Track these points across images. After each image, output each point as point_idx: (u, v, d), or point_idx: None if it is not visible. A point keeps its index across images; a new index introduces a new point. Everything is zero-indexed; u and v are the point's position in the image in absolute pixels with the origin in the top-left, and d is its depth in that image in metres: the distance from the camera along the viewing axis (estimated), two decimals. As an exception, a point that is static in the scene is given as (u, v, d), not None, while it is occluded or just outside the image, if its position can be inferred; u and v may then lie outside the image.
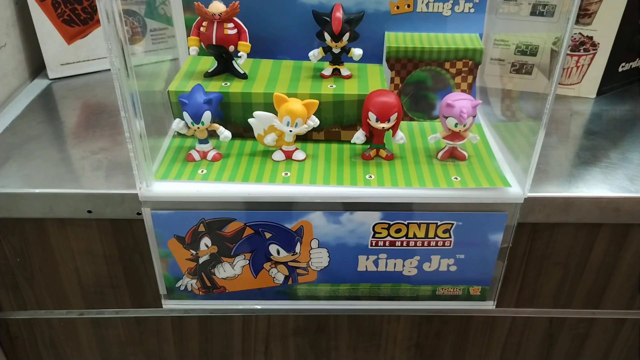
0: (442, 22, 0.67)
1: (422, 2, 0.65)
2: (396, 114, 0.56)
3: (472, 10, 0.66)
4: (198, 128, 0.57)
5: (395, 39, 0.65)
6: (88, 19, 0.78)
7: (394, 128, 0.57)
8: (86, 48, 0.79)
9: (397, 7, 0.66)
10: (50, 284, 0.64)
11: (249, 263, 0.59)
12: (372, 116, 0.56)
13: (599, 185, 0.57)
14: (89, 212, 0.57)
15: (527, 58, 0.73)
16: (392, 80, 0.66)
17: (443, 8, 0.66)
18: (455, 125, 0.56)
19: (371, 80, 0.62)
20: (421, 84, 0.67)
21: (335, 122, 0.61)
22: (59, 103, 0.73)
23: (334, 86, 0.61)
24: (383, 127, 0.56)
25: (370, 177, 0.56)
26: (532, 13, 0.70)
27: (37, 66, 0.80)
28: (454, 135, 0.58)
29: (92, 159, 0.61)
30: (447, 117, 0.56)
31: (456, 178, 0.56)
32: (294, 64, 0.67)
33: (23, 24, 0.76)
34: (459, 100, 0.55)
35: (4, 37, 0.72)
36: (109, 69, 0.47)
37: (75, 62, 0.79)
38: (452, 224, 0.56)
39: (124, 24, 0.45)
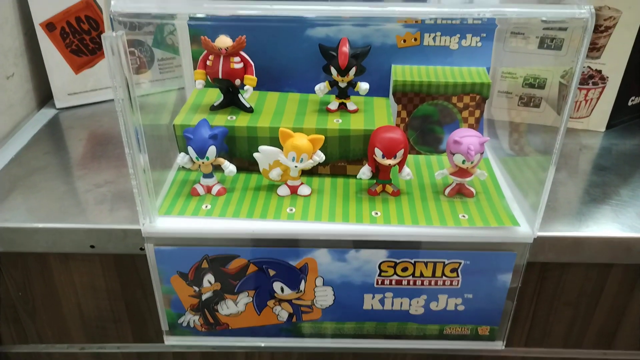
0: (449, 56, 0.66)
1: (429, 36, 0.65)
2: (402, 150, 0.55)
3: (479, 44, 0.65)
4: (203, 163, 0.56)
5: (402, 73, 0.65)
6: (96, 49, 0.79)
7: (401, 164, 0.56)
8: (94, 77, 0.79)
9: (404, 41, 0.66)
10: (52, 318, 0.63)
11: (252, 300, 0.58)
12: (378, 152, 0.55)
13: (609, 224, 0.55)
14: (92, 247, 0.56)
15: (535, 91, 0.73)
16: (398, 113, 0.66)
17: (450, 42, 0.66)
18: (463, 162, 0.55)
19: (378, 114, 0.62)
20: (428, 117, 0.66)
21: (341, 157, 0.61)
22: (65, 133, 0.73)
23: (340, 121, 0.60)
24: (389, 164, 0.55)
25: (377, 214, 0.55)
26: (540, 46, 0.69)
27: (44, 96, 0.80)
28: (462, 172, 0.57)
29: (97, 192, 0.60)
30: (454, 154, 0.56)
31: (464, 216, 0.55)
32: (300, 96, 0.66)
33: (31, 54, 0.77)
34: (467, 137, 0.55)
35: (12, 67, 0.73)
36: None
37: (83, 91, 0.79)
38: (460, 263, 0.55)
39: (129, 61, 0.45)
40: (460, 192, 0.58)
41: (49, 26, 0.74)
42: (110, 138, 0.72)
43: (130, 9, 0.43)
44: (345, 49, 0.59)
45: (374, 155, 0.56)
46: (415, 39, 0.66)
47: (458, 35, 0.65)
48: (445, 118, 0.66)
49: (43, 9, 0.73)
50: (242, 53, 0.59)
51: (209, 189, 0.58)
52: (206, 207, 0.56)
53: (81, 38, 0.77)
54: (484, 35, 0.65)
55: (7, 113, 0.72)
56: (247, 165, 0.62)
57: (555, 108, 0.73)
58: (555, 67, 0.70)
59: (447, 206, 0.57)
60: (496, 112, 0.74)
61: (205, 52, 0.59)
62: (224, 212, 0.56)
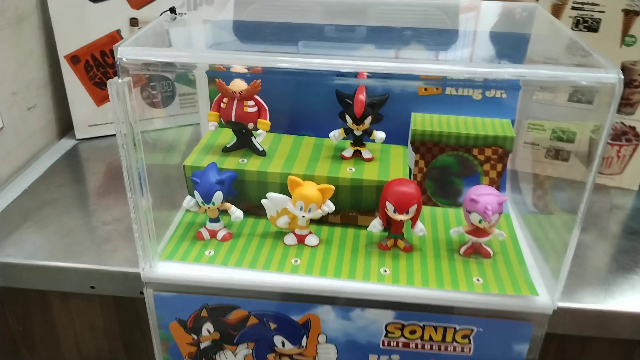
0: (472, 106, 0.64)
1: (452, 85, 0.63)
2: (415, 205, 0.53)
3: (504, 95, 0.63)
4: (209, 208, 0.55)
5: (422, 121, 0.63)
6: (118, 83, 0.79)
7: (414, 219, 0.54)
8: (114, 110, 0.80)
9: (425, 89, 0.64)
10: (51, 355, 0.62)
11: (252, 353, 0.55)
12: (389, 206, 0.53)
13: (638, 298, 0.51)
14: (92, 287, 0.55)
15: (564, 144, 0.69)
16: (416, 163, 0.63)
17: (473, 92, 0.63)
18: (480, 221, 0.52)
19: (393, 164, 0.60)
20: (447, 169, 0.63)
21: (353, 207, 0.59)
22: (82, 165, 0.73)
23: (353, 169, 0.58)
24: (401, 219, 0.53)
25: (385, 271, 0.53)
26: (570, 99, 0.66)
27: (65, 126, 0.81)
28: (478, 231, 0.54)
29: (103, 230, 0.59)
30: (470, 212, 0.53)
31: (478, 280, 0.52)
32: (315, 141, 0.65)
33: (54, 86, 0.78)
34: (484, 196, 0.52)
35: (34, 99, 0.74)
36: None
37: (103, 123, 0.80)
38: (472, 329, 0.51)
39: (134, 107, 0.45)
40: (477, 251, 0.55)
41: (73, 59, 0.75)
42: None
43: (137, 56, 0.42)
44: (362, 97, 0.57)
45: (385, 209, 0.53)
46: (437, 88, 0.63)
47: (482, 85, 0.62)
48: (465, 170, 0.63)
49: (69, 42, 0.75)
50: (257, 97, 0.58)
51: (214, 234, 0.57)
52: (209, 253, 0.55)
53: (105, 71, 0.78)
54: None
55: (26, 143, 0.72)
56: (256, 209, 0.60)
57: (584, 163, 0.69)
58: (585, 121, 0.66)
59: (461, 267, 0.53)
60: (520, 163, 0.70)
61: (220, 95, 0.59)
62: (227, 259, 0.54)
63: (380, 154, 0.62)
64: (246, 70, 0.55)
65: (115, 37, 0.77)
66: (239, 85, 0.57)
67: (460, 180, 0.64)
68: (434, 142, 0.62)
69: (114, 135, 0.81)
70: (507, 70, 0.43)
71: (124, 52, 0.42)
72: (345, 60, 0.47)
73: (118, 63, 0.42)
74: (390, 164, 0.60)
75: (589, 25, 0.63)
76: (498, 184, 0.62)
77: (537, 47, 0.58)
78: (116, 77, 0.43)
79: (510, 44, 0.60)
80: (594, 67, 0.41)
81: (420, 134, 0.62)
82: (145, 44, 0.44)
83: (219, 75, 0.60)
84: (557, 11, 0.63)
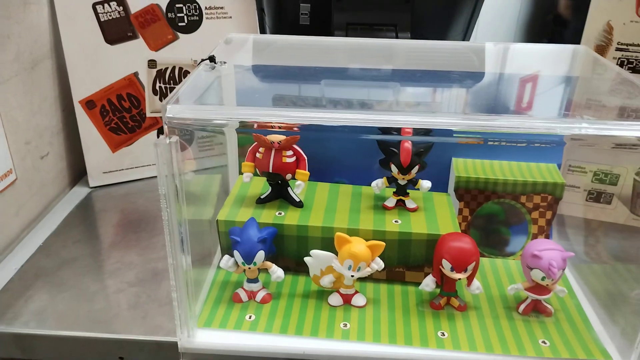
0: (516, 150, 0.61)
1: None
2: (474, 263, 0.49)
3: (549, 139, 0.60)
4: (249, 268, 0.51)
5: (465, 168, 0.60)
6: (136, 127, 0.75)
7: (470, 277, 0.50)
8: (131, 156, 0.76)
9: (467, 134, 0.61)
10: None
11: None
12: (446, 264, 0.49)
13: None
14: (121, 358, 0.50)
15: (606, 187, 0.66)
16: (460, 211, 0.60)
17: (517, 136, 0.60)
18: (543, 279, 0.49)
19: (440, 215, 0.56)
20: (493, 217, 0.60)
21: (400, 262, 0.55)
22: (97, 216, 0.69)
23: (400, 221, 0.55)
24: (459, 278, 0.49)
25: (443, 335, 0.49)
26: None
27: (77, 173, 0.77)
28: (539, 289, 0.50)
29: (129, 292, 0.55)
30: (532, 269, 0.49)
31: (544, 342, 0.48)
32: (352, 189, 0.61)
33: (67, 132, 0.73)
34: (547, 251, 0.48)
35: (47, 147, 0.69)
36: (153, 177, 0.42)
37: (119, 169, 0.75)
38: (541, 398, 0.47)
39: (182, 170, 0.41)
40: (536, 309, 0.52)
41: (88, 104, 0.71)
42: (145, 223, 0.67)
43: (188, 115, 0.39)
44: (408, 145, 0.54)
45: (440, 267, 0.50)
46: (479, 133, 0.60)
47: (526, 129, 0.60)
48: (512, 218, 0.60)
49: (84, 86, 0.71)
50: (295, 146, 0.55)
51: (252, 295, 0.53)
52: (250, 317, 0.50)
53: (121, 116, 0.74)
54: (555, 130, 0.59)
55: (39, 194, 0.68)
56: (295, 266, 0.56)
57: (628, 206, 0.67)
58: (630, 164, 0.64)
59: (523, 328, 0.50)
60: (562, 206, 0.67)
61: (255, 144, 0.55)
62: (270, 325, 0.50)
63: (424, 203, 0.58)
64: (296, 129, 0.52)
65: (133, 79, 0.73)
66: (277, 135, 0.54)
67: (507, 229, 0.61)
68: (479, 190, 0.59)
69: (130, 182, 0.78)
70: (547, 125, 0.41)
71: (173, 111, 0.38)
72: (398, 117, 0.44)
73: (166, 122, 0.39)
74: (437, 214, 0.56)
75: (634, 66, 0.61)
76: (547, 233, 0.59)
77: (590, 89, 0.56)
78: (162, 137, 0.39)
79: (562, 89, 0.58)
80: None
81: (464, 181, 0.59)
82: (190, 99, 0.41)
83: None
84: (601, 52, 0.61)
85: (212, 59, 0.48)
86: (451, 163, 0.62)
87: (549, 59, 0.62)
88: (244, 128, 0.40)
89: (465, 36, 0.82)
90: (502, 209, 0.60)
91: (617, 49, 0.61)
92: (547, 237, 0.59)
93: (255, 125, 0.41)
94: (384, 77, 0.65)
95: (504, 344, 0.48)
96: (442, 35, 0.80)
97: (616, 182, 0.66)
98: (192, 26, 0.74)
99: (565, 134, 0.44)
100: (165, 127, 0.38)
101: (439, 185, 0.62)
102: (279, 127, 0.44)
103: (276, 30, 0.82)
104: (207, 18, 0.75)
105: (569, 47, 0.60)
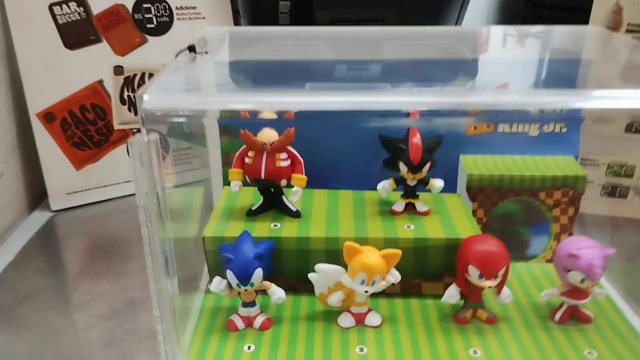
0: (529, 144, 0.56)
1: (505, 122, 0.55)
2: (504, 268, 0.43)
3: (563, 129, 0.55)
4: (245, 290, 0.44)
5: (475, 164, 0.54)
6: (102, 141, 0.67)
7: (500, 285, 0.44)
8: (97, 173, 0.68)
9: (475, 127, 0.55)
10: None
11: None
12: (473, 271, 0.43)
13: None
14: (96, 408, 0.42)
15: (621, 180, 0.62)
16: (474, 212, 0.54)
17: (529, 127, 0.55)
18: (582, 281, 0.43)
19: (456, 217, 0.50)
20: (510, 217, 0.55)
21: (416, 273, 0.48)
22: (61, 243, 0.60)
23: (412, 227, 0.49)
24: (489, 286, 0.43)
25: (476, 352, 0.42)
26: (628, 130, 0.59)
27: (37, 195, 0.68)
28: (576, 292, 0.44)
29: (102, 327, 0.47)
30: (569, 270, 0.43)
31: (590, 353, 0.42)
32: (353, 195, 0.55)
33: (24, 149, 0.65)
34: (586, 249, 0.43)
35: (2, 166, 0.61)
36: (125, 196, 0.35)
37: (84, 190, 0.67)
38: (594, 419, 0.41)
39: (163, 173, 0.34)
40: (574, 316, 0.46)
41: (47, 117, 0.63)
42: (117, 247, 0.59)
43: (171, 105, 0.32)
44: (417, 140, 0.48)
45: (466, 275, 0.43)
46: (489, 125, 0.55)
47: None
48: (531, 217, 0.54)
49: (41, 97, 0.63)
50: (290, 148, 0.48)
51: (249, 322, 0.45)
52: (249, 348, 0.43)
53: (85, 129, 0.66)
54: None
55: (-9, 221, 0.59)
56: (295, 284, 0.49)
57: (646, 199, 0.62)
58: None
59: (563, 338, 0.44)
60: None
61: (244, 147, 0.48)
62: (274, 355, 0.42)
63: (435, 206, 0.52)
64: (275, 116, 0.46)
65: (97, 88, 0.66)
66: (269, 135, 0.47)
67: (526, 230, 0.55)
68: (494, 188, 0.53)
69: (98, 202, 0.69)
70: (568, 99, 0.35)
71: (152, 100, 0.31)
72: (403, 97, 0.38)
73: (143, 116, 0.31)
74: (452, 217, 0.50)
75: (645, 47, 0.57)
76: (571, 231, 0.54)
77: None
78: (138, 134, 0.32)
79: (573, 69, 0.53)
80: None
81: (477, 179, 0.53)
82: (171, 91, 0.34)
83: (240, 124, 0.50)
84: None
85: (192, 48, 0.41)
86: (459, 161, 0.56)
87: (563, 41, 0.58)
88: (240, 118, 0.33)
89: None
90: (520, 207, 0.54)
91: (628, 31, 0.57)
92: (571, 235, 0.54)
93: (258, 114, 0.35)
94: (374, 68, 0.59)
95: (546, 358, 0.42)
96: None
97: (632, 173, 0.61)
98: (162, 28, 0.68)
99: (583, 107, 0.38)
100: (142, 122, 0.31)
101: (447, 186, 0.56)
102: (276, 113, 0.37)
103: (253, 31, 0.76)
104: (178, 19, 0.68)
105: (583, 28, 0.56)
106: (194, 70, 0.41)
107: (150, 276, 0.36)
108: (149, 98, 0.31)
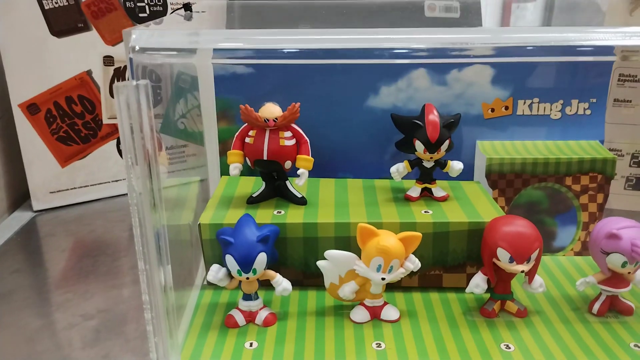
0: (549, 127, 0.52)
1: (524, 103, 0.51)
2: (537, 250, 0.38)
3: (587, 111, 0.51)
4: (247, 279, 0.39)
5: (493, 149, 0.50)
6: (90, 136, 0.63)
7: (532, 271, 0.39)
8: (84, 171, 0.63)
9: (492, 110, 0.52)
10: None
11: None
12: (503, 255, 0.38)
13: None
14: (75, 416, 0.36)
15: (647, 170, 0.58)
16: (495, 201, 0.50)
17: (551, 110, 0.51)
18: (624, 265, 0.38)
19: (477, 202, 0.46)
20: (535, 205, 0.51)
21: (436, 263, 0.44)
22: (43, 242, 0.55)
23: (430, 212, 0.44)
24: (522, 270, 0.38)
25: (508, 347, 0.37)
26: (653, 115, 0.56)
27: (18, 194, 0.63)
28: (616, 280, 0.40)
29: (85, 327, 0.41)
30: (608, 254, 0.39)
31: (637, 346, 0.37)
32: (363, 183, 0.50)
33: (5, 143, 0.61)
34: (627, 229, 0.38)
35: (-21, 159, 0.56)
36: (114, 196, 0.30)
37: (70, 188, 0.62)
38: (647, 420, 0.36)
39: (154, 127, 0.29)
40: (613, 307, 0.41)
41: (30, 108, 0.59)
42: (105, 245, 0.54)
43: (163, 44, 0.27)
44: (435, 117, 0.44)
45: (495, 259, 0.39)
46: (507, 107, 0.51)
47: (561, 102, 0.51)
48: (557, 205, 0.50)
49: (25, 87, 0.59)
50: (294, 126, 0.44)
51: (251, 317, 0.40)
52: (251, 345, 0.38)
53: (72, 123, 0.61)
54: (594, 100, 0.51)
55: (-34, 218, 0.54)
56: (302, 278, 0.44)
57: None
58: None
59: (604, 331, 0.39)
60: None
61: (244, 126, 0.44)
62: (280, 352, 0.37)
63: (453, 192, 0.48)
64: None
65: (86, 79, 0.61)
66: (272, 111, 0.43)
67: (552, 219, 0.51)
68: (516, 174, 0.49)
69: (84, 203, 0.64)
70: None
71: (140, 39, 0.27)
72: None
73: (131, 57, 0.27)
74: (473, 202, 0.46)
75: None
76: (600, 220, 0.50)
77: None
78: (127, 80, 0.28)
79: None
80: None
81: (497, 163, 0.49)
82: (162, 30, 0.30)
83: (232, 105, 0.45)
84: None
85: (187, 7, 0.37)
86: (475, 147, 0.52)
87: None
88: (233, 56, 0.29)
89: None
90: (545, 194, 0.50)
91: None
92: (600, 225, 0.49)
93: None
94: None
95: (589, 352, 0.37)
96: None
97: (657, 163, 0.58)
98: (155, 17, 0.64)
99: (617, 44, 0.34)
100: (130, 62, 0.27)
101: (462, 174, 0.51)
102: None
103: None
104: (172, 8, 0.65)
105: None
106: (188, 25, 0.37)
107: (141, 266, 0.31)
108: (138, 35, 0.27)
